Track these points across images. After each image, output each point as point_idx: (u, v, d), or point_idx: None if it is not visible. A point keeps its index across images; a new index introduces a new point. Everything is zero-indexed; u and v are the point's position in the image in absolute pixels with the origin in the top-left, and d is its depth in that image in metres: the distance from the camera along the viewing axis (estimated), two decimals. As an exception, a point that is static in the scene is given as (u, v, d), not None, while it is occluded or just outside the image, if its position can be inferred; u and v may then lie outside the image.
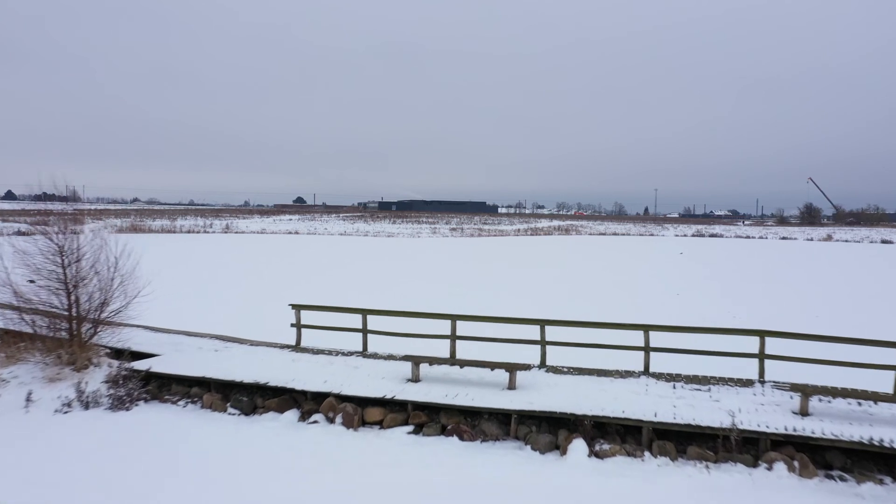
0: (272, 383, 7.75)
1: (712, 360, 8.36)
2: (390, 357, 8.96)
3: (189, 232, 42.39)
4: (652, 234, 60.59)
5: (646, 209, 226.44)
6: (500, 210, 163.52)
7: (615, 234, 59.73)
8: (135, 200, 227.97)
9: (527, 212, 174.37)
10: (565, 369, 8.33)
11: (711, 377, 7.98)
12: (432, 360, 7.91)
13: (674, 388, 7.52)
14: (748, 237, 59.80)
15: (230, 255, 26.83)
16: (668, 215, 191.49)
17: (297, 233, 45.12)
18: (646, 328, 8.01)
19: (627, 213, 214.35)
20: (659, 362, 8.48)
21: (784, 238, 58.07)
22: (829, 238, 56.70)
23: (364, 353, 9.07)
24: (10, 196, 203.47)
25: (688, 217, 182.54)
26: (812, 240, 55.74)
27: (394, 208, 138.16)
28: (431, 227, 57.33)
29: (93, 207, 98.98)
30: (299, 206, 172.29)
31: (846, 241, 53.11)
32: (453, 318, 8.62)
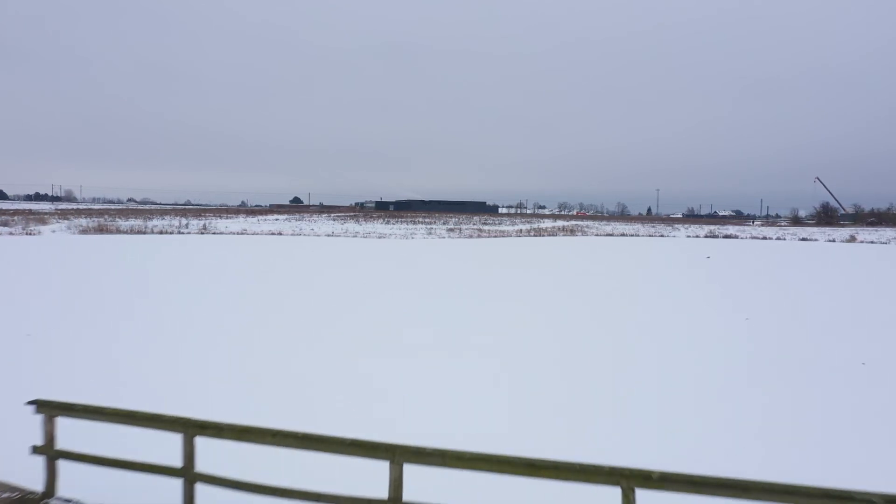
0: None
1: None
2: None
3: (161, 233, 38.75)
4: (662, 235, 57.01)
5: (648, 209, 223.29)
6: (500, 210, 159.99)
7: (623, 234, 56.12)
8: (129, 200, 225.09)
9: (528, 212, 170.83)
10: None
11: None
12: None
13: None
14: (764, 238, 56.21)
15: (184, 260, 23.19)
16: (672, 215, 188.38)
17: (280, 234, 41.49)
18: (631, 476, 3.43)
19: (630, 213, 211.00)
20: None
21: (804, 239, 54.51)
22: (852, 239, 53.11)
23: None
24: (1, 196, 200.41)
25: (692, 217, 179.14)
26: (834, 241, 52.17)
27: (391, 208, 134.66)
28: (427, 227, 53.69)
29: (81, 207, 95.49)
30: (295, 207, 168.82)
31: (871, 242, 49.51)
32: (394, 452, 3.71)
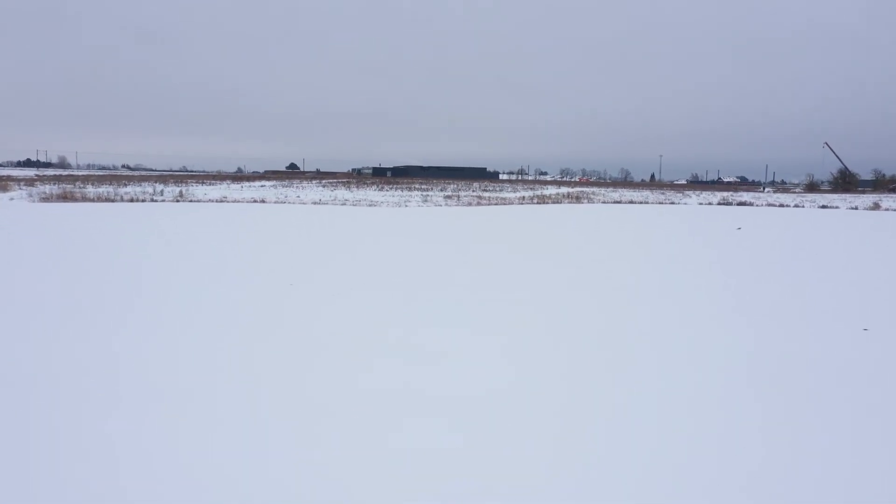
0: None
1: None
2: None
3: (132, 201, 35.55)
4: (672, 202, 53.78)
5: (652, 175, 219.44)
6: (501, 177, 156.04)
7: (631, 201, 52.88)
8: (123, 167, 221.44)
9: (529, 178, 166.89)
10: None
11: None
12: None
13: None
14: (781, 205, 53.03)
15: (133, 233, 20.08)
16: (676, 181, 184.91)
17: (263, 201, 38.27)
18: None
19: (633, 179, 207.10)
20: None
21: (823, 207, 51.32)
22: (875, 207, 49.91)
23: None
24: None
25: (697, 183, 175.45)
26: (856, 209, 49.00)
27: (389, 174, 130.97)
28: (423, 194, 50.38)
29: (64, 174, 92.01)
30: (291, 173, 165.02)
31: (897, 210, 46.41)
32: None
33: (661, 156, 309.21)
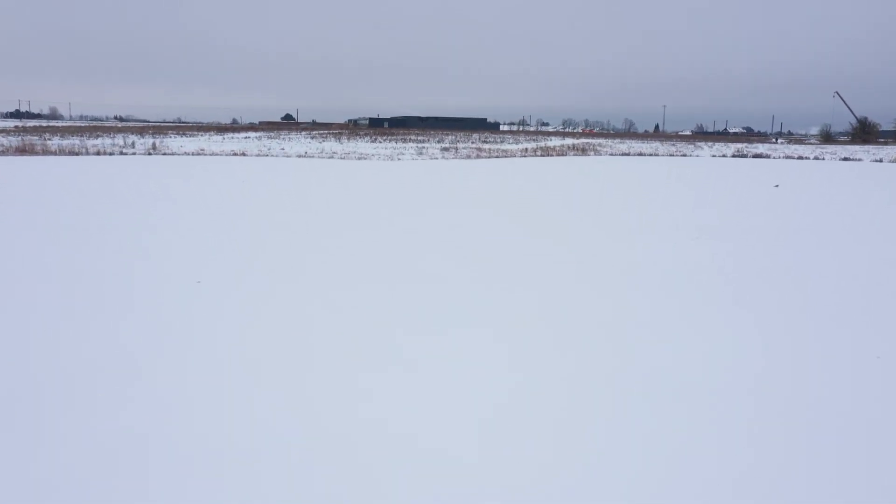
0: None
1: None
2: None
3: (98, 154, 32.45)
4: (684, 154, 50.58)
5: (656, 126, 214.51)
6: (502, 128, 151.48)
7: (641, 153, 49.65)
8: (115, 118, 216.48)
9: (531, 129, 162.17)
10: None
11: None
12: None
13: None
14: (800, 158, 49.86)
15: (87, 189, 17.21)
16: (680, 132, 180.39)
17: (243, 154, 35.15)
18: None
19: (637, 130, 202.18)
20: None
21: (846, 159, 48.14)
22: (902, 158, 46.79)
23: None
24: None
25: (702, 134, 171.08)
26: (881, 161, 45.86)
27: (386, 125, 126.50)
28: (419, 146, 47.09)
29: (44, 124, 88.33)
30: (284, 124, 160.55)
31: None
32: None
33: (664, 106, 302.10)
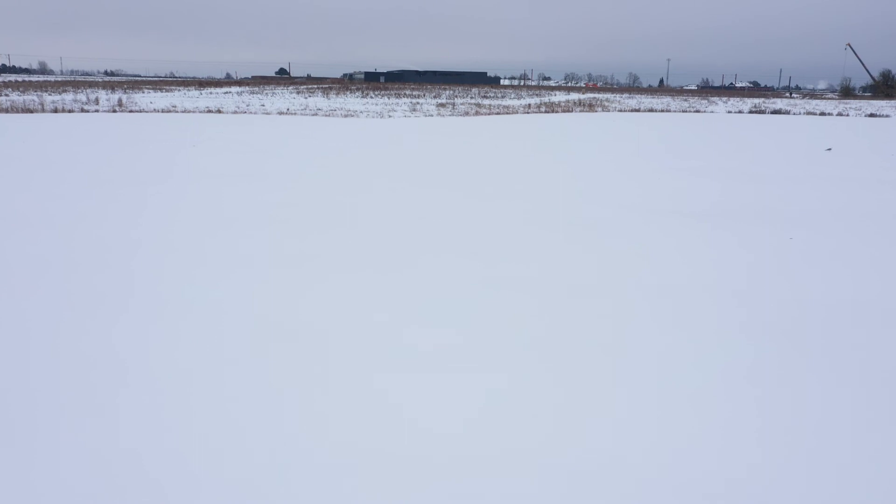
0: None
1: None
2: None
3: (57, 111, 29.27)
4: (697, 111, 47.21)
5: (661, 80, 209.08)
6: (502, 82, 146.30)
7: (651, 109, 46.26)
8: (106, 72, 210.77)
9: (532, 83, 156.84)
10: None
11: None
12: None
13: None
14: (823, 114, 46.51)
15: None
16: (686, 87, 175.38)
17: (219, 111, 31.89)
18: None
19: (641, 84, 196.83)
20: None
21: (872, 115, 44.84)
22: (934, 115, 43.52)
23: None
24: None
25: (707, 89, 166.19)
26: (911, 117, 42.65)
27: (382, 80, 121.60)
28: (413, 102, 43.62)
29: (25, 79, 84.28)
30: (280, 79, 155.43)
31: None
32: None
33: (668, 60, 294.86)
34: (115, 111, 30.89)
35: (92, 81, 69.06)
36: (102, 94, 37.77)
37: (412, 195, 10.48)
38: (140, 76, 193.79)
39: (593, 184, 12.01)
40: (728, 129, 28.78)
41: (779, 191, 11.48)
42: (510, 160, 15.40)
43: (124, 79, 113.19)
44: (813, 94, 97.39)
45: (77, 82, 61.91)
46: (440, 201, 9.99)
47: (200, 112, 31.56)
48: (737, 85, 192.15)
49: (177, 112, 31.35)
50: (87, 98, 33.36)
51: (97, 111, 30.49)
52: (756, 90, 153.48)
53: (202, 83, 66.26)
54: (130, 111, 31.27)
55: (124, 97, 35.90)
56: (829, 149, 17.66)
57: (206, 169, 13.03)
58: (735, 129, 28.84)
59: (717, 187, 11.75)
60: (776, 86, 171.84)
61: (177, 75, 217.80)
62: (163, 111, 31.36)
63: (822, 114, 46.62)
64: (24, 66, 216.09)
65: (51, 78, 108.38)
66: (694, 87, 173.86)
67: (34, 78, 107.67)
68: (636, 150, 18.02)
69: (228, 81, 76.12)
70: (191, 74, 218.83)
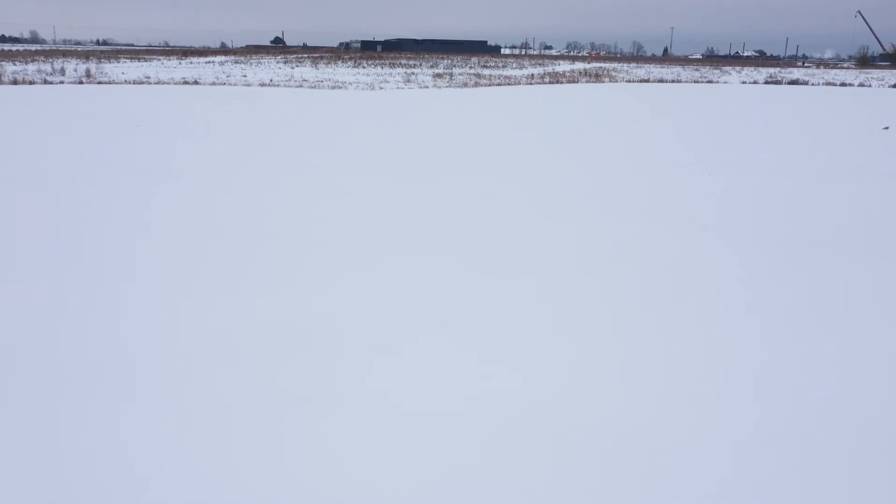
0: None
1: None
2: None
3: (16, 83, 26.78)
4: (710, 81, 44.47)
5: (665, 49, 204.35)
6: (503, 51, 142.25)
7: (661, 80, 43.56)
8: (99, 42, 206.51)
9: (534, 53, 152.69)
10: None
11: None
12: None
13: None
14: (843, 84, 43.84)
15: None
16: (691, 56, 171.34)
17: (196, 83, 29.36)
18: None
19: (646, 53, 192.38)
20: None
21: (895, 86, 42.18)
22: (965, 85, 40.85)
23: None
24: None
25: (713, 58, 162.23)
26: (938, 88, 40.00)
27: (379, 49, 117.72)
28: (408, 72, 40.88)
29: (8, 49, 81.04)
30: (274, 48, 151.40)
31: None
32: None
33: (672, 28, 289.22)
34: (81, 83, 28.35)
35: (71, 51, 65.92)
36: (72, 65, 35.02)
37: (392, 192, 8.18)
38: (133, 45, 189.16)
39: (608, 179, 9.70)
40: (753, 103, 26.27)
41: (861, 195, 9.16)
42: (514, 147, 13.04)
43: (109, 48, 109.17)
44: (825, 63, 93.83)
45: (56, 51, 58.88)
46: (429, 204, 7.69)
47: (175, 84, 29.01)
48: (742, 54, 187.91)
49: (149, 84, 28.80)
50: (52, 69, 30.70)
51: (62, 83, 27.97)
52: (762, 59, 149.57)
53: (186, 52, 63.07)
54: (99, 83, 28.73)
55: (94, 67, 33.20)
56: (887, 127, 15.25)
57: (131, 160, 10.69)
58: (760, 103, 26.31)
59: (777, 187, 9.44)
60: (782, 55, 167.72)
61: (171, 44, 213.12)
62: (134, 83, 28.79)
63: (843, 84, 43.96)
64: (15, 35, 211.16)
65: (36, 47, 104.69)
66: (699, 57, 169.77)
67: (23, 47, 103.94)
68: (654, 132, 15.65)
69: (215, 51, 72.50)
70: (187, 43, 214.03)
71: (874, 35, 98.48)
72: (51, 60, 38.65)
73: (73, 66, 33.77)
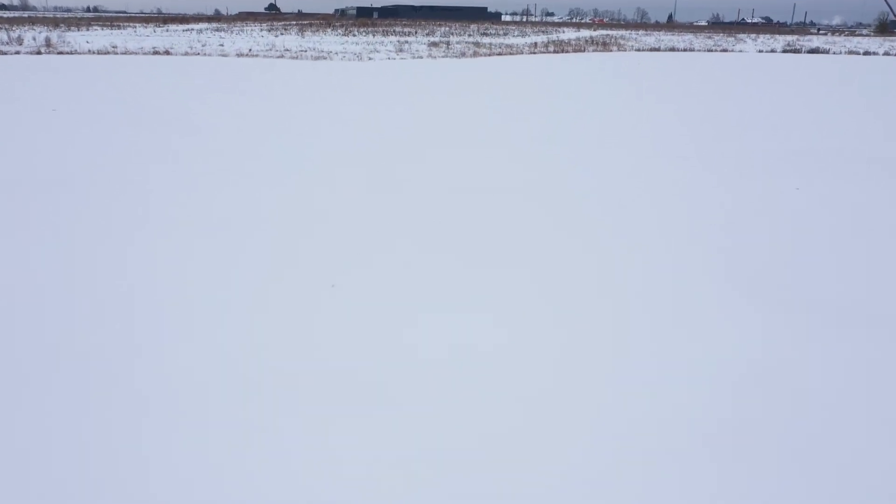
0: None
1: None
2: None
3: (-34, 53, 24.28)
4: (724, 50, 41.68)
5: (669, 16, 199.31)
6: (503, 18, 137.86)
7: (673, 48, 40.79)
8: (90, 9, 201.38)
9: (535, 19, 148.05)
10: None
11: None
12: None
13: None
14: (866, 53, 41.14)
15: None
16: (696, 23, 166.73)
17: (167, 53, 26.80)
18: None
19: (650, 20, 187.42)
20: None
21: (924, 55, 39.47)
22: None
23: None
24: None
25: (719, 25, 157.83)
26: (972, 57, 37.29)
27: (375, 15, 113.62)
28: (401, 40, 38.04)
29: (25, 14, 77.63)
30: (269, 15, 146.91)
31: None
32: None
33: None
34: (40, 53, 25.75)
35: (40, 17, 62.56)
36: (31, 33, 32.22)
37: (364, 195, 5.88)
38: (125, 13, 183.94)
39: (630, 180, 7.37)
40: (784, 74, 23.68)
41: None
42: (515, 143, 10.67)
43: (93, 15, 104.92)
44: (839, 31, 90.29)
45: (25, 19, 55.67)
46: (417, 209, 5.40)
47: (144, 54, 26.38)
48: (749, 21, 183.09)
49: (115, 54, 26.19)
50: (9, 37, 27.99)
51: (17, 53, 25.37)
52: (769, 26, 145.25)
53: (166, 20, 59.68)
54: (59, 52, 26.13)
55: (55, 35, 30.44)
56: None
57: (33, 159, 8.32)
58: (791, 74, 23.72)
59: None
60: (789, 21, 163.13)
61: (164, 12, 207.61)
62: (98, 53, 26.18)
63: (866, 53, 41.25)
64: (3, 2, 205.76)
65: (29, 14, 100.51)
66: (704, 23, 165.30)
67: (12, 14, 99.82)
68: (683, 113, 13.25)
69: (198, 18, 68.95)
70: (181, 11, 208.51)
71: (888, 4, 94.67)
72: (14, 28, 35.81)
73: (34, 35, 31.01)
